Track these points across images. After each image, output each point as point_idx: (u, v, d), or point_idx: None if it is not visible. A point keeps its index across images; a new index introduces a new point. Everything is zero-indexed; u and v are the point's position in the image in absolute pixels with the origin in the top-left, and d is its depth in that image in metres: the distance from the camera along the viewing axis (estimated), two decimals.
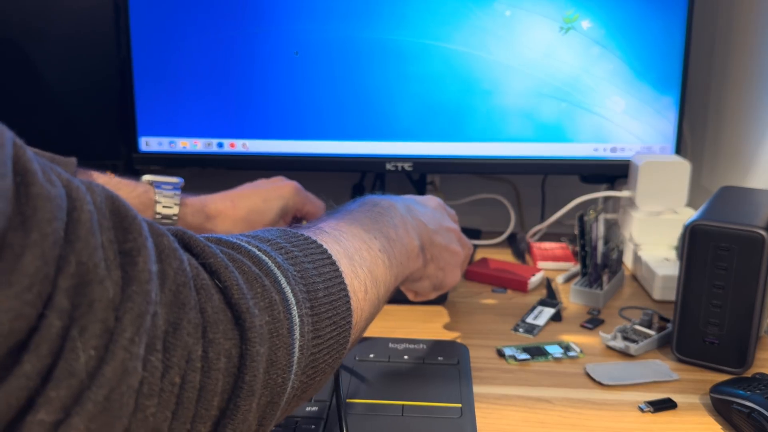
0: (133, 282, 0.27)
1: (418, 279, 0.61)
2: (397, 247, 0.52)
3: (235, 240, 0.37)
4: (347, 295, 0.41)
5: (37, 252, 0.23)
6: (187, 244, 0.33)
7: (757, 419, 0.53)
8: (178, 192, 0.74)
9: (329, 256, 0.41)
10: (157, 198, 0.73)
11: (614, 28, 0.90)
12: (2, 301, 0.22)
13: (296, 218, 0.81)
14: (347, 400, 0.56)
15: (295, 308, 0.35)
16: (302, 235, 0.42)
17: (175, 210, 0.73)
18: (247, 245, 0.36)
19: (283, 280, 0.35)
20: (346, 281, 0.41)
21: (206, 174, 1.01)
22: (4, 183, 0.23)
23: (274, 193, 0.78)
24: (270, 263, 0.36)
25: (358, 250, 0.46)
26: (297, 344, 0.35)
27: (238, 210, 0.77)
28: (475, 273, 0.88)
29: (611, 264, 0.81)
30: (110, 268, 0.26)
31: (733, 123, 0.97)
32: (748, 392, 0.55)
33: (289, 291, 0.35)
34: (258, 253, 0.36)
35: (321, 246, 0.41)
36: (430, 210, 0.63)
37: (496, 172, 1.05)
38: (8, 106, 0.96)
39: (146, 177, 0.75)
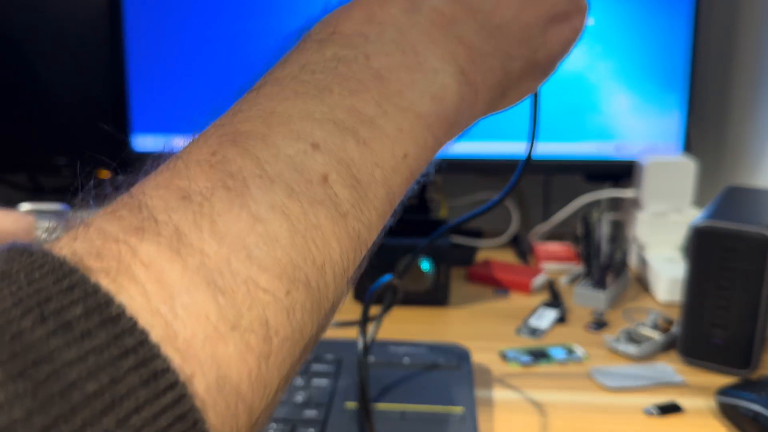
0: None
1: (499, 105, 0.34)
2: (388, 125, 0.25)
3: None
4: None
5: None
6: None
7: (763, 423, 0.52)
8: (61, 222, 0.64)
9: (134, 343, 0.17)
10: (39, 228, 0.63)
11: (619, 25, 0.89)
12: None
13: None
14: (346, 404, 0.55)
15: None
16: (60, 268, 0.18)
17: None
18: None
19: None
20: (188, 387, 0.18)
21: None
22: None
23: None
24: None
25: (242, 242, 0.20)
26: None
27: None
28: (477, 274, 0.87)
29: (615, 265, 0.80)
30: None
31: (740, 121, 0.97)
32: (755, 395, 0.55)
33: None
34: None
35: (107, 305, 0.17)
36: None
37: (498, 171, 1.04)
38: None
39: (25, 205, 0.67)
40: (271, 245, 0.21)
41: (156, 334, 0.17)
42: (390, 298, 0.57)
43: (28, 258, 0.18)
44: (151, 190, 0.21)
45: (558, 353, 0.67)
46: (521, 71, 0.33)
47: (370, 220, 0.24)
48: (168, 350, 0.18)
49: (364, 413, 0.50)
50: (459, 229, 1.00)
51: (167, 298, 0.18)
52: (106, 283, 0.18)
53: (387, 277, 0.55)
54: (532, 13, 0.32)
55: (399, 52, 0.27)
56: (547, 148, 0.92)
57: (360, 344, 0.51)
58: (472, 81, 0.29)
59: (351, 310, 0.77)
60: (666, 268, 0.81)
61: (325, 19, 0.28)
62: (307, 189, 0.22)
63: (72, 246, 0.19)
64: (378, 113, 0.25)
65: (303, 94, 0.24)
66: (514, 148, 0.93)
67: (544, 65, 0.34)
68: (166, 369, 0.17)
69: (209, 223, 0.20)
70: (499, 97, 0.33)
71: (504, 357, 0.67)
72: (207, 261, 0.19)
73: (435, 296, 0.79)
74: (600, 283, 0.79)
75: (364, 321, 0.52)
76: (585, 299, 0.79)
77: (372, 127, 0.25)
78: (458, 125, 0.29)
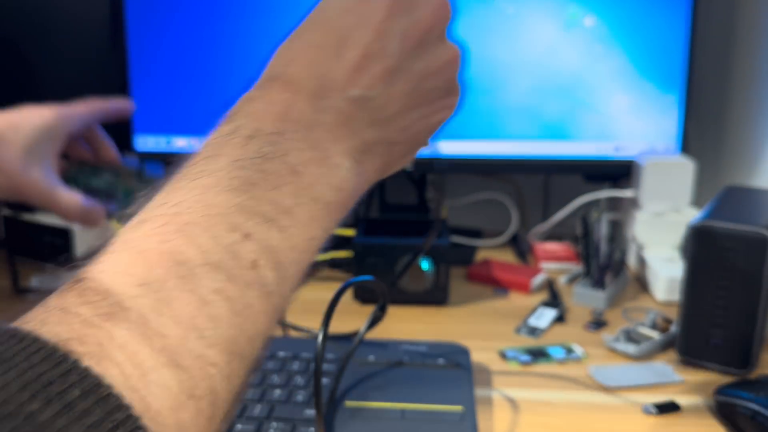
0: None
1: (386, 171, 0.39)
2: (302, 214, 0.30)
3: None
4: None
5: None
6: None
7: (761, 422, 0.52)
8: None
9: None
10: None
11: (618, 26, 0.89)
12: None
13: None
14: (346, 403, 0.55)
15: None
16: (46, 352, 0.21)
17: None
18: None
19: None
20: None
21: None
22: None
23: (35, 111, 0.66)
24: None
25: (194, 324, 0.24)
26: None
27: None
28: (477, 274, 0.87)
29: (614, 265, 0.81)
30: None
31: (739, 121, 0.97)
32: (753, 394, 0.55)
33: None
34: None
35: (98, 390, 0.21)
36: (358, 53, 0.34)
37: (498, 171, 1.04)
38: None
39: None
40: (216, 325, 0.25)
41: (135, 408, 0.21)
42: (377, 313, 0.57)
43: (19, 342, 0.21)
44: (113, 276, 0.24)
45: (557, 352, 0.67)
46: (402, 151, 0.38)
47: (287, 294, 0.30)
48: (145, 420, 0.21)
49: (317, 410, 0.50)
50: (458, 229, 1.00)
51: (141, 376, 0.22)
52: (93, 365, 0.21)
53: (367, 277, 0.55)
54: (414, 105, 0.37)
55: (310, 149, 0.32)
56: (546, 148, 0.93)
57: (320, 339, 0.51)
58: (363, 169, 0.35)
59: (355, 310, 0.78)
60: (665, 268, 0.81)
61: (247, 109, 0.32)
62: (241, 274, 0.27)
63: (56, 330, 0.22)
64: (294, 204, 0.30)
65: (235, 188, 0.28)
66: (514, 148, 0.93)
67: (423, 141, 0.40)
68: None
69: (167, 308, 0.24)
70: (382, 173, 0.38)
71: (503, 356, 0.67)
72: (168, 343, 0.23)
73: (435, 296, 0.79)
74: (599, 283, 0.79)
75: (327, 316, 0.52)
76: (584, 299, 0.80)
77: (290, 217, 0.30)
78: (349, 206, 0.34)
